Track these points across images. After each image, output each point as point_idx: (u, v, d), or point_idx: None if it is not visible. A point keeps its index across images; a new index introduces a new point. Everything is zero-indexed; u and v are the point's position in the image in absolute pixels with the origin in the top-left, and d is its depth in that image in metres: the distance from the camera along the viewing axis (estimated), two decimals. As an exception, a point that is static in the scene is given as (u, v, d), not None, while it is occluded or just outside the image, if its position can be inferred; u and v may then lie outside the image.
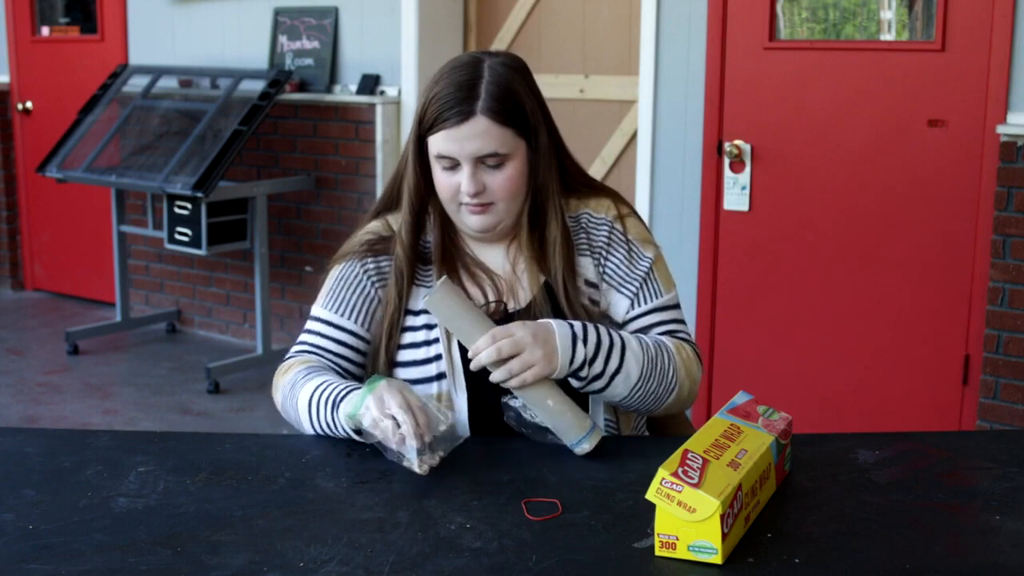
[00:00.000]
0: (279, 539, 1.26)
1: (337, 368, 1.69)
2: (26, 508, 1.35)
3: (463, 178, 1.61)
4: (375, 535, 1.27)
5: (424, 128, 1.63)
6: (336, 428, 1.55)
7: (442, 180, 1.64)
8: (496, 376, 1.53)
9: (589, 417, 1.57)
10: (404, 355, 1.67)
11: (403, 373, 1.67)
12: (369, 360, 1.71)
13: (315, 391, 1.58)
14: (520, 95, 1.63)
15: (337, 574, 1.18)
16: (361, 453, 1.52)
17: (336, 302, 1.70)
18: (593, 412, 1.66)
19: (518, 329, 1.53)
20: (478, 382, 1.62)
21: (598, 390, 1.60)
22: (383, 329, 1.68)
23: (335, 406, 1.54)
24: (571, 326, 1.56)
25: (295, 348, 1.72)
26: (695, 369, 1.69)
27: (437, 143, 1.61)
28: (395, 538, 1.26)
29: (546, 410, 1.54)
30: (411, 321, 1.68)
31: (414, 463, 1.42)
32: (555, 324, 1.56)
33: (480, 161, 1.60)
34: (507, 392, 1.57)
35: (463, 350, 1.63)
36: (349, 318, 1.69)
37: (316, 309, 1.72)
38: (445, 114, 1.59)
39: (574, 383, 1.58)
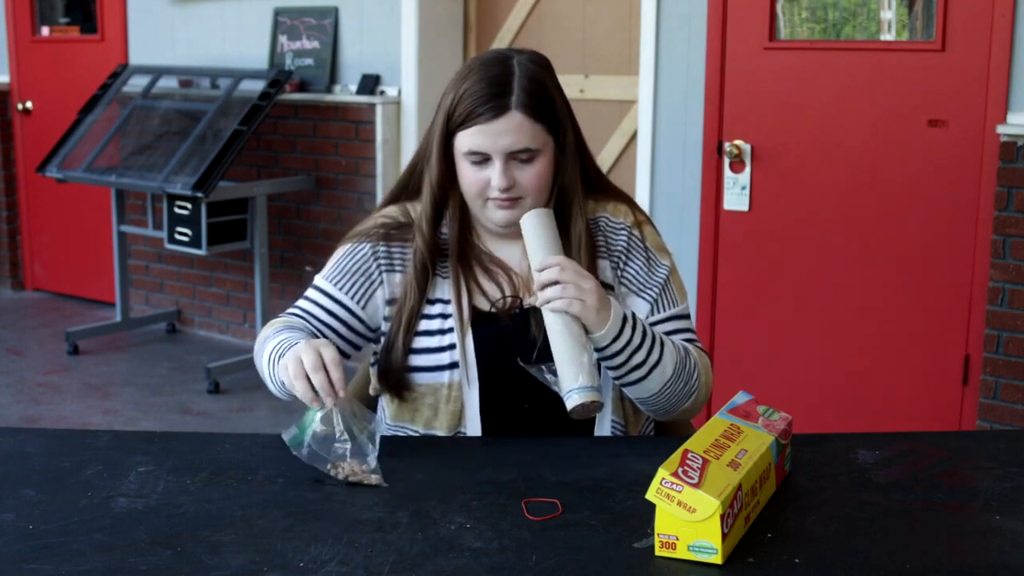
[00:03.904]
0: (279, 539, 1.26)
1: (320, 335, 1.69)
2: (26, 508, 1.35)
3: (494, 173, 1.60)
4: (375, 535, 1.27)
5: (454, 124, 1.62)
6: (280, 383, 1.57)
7: (469, 175, 1.63)
8: (543, 287, 1.51)
9: (599, 380, 1.50)
10: (419, 342, 1.67)
11: (417, 360, 1.67)
12: (384, 348, 1.71)
13: (277, 344, 1.59)
14: (551, 91, 1.64)
15: (337, 574, 1.18)
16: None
17: (339, 276, 1.71)
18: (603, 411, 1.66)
19: (588, 275, 1.53)
20: (490, 374, 1.62)
21: (636, 380, 1.58)
22: (401, 319, 1.67)
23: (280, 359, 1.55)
24: (624, 311, 1.56)
25: (288, 311, 1.73)
26: (710, 378, 1.70)
27: (468, 138, 1.61)
28: (395, 538, 1.26)
29: (567, 341, 1.49)
30: (427, 310, 1.68)
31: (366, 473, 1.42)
32: (613, 300, 1.56)
33: (512, 156, 1.61)
34: (525, 390, 1.56)
35: (477, 343, 1.64)
36: (347, 294, 1.70)
37: (318, 279, 1.73)
38: (479, 109, 1.59)
39: (612, 374, 1.58)
